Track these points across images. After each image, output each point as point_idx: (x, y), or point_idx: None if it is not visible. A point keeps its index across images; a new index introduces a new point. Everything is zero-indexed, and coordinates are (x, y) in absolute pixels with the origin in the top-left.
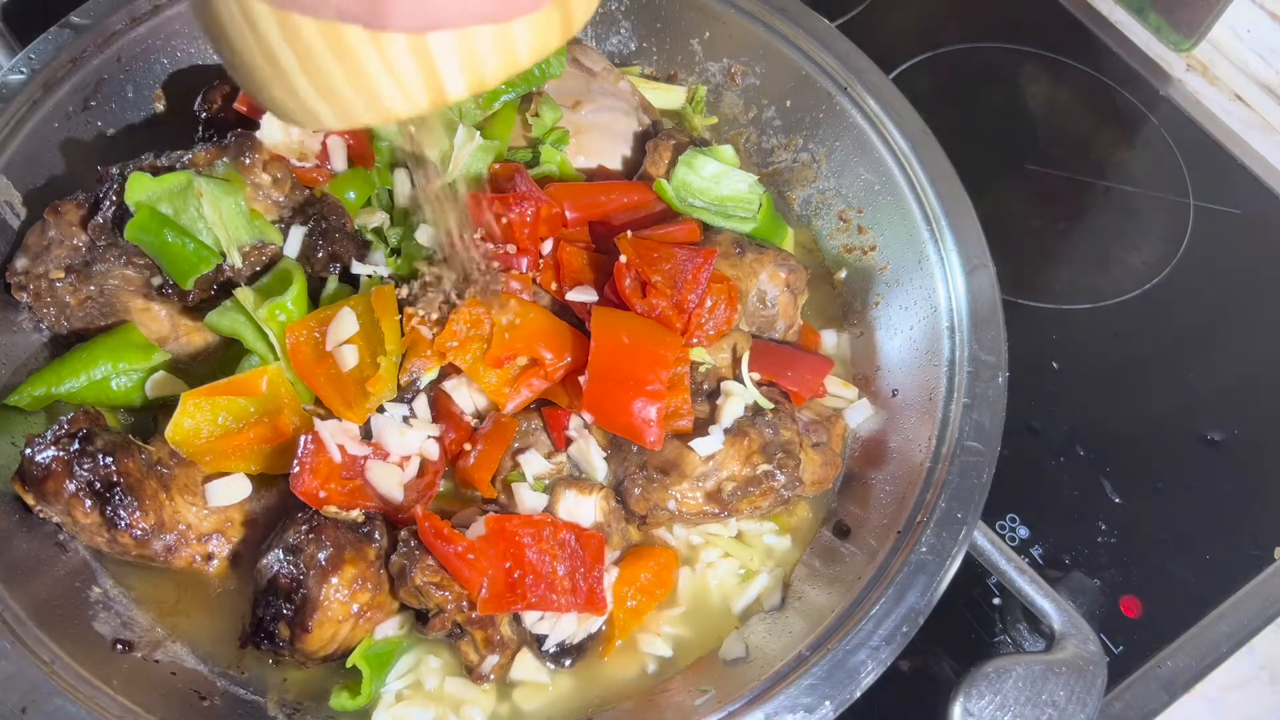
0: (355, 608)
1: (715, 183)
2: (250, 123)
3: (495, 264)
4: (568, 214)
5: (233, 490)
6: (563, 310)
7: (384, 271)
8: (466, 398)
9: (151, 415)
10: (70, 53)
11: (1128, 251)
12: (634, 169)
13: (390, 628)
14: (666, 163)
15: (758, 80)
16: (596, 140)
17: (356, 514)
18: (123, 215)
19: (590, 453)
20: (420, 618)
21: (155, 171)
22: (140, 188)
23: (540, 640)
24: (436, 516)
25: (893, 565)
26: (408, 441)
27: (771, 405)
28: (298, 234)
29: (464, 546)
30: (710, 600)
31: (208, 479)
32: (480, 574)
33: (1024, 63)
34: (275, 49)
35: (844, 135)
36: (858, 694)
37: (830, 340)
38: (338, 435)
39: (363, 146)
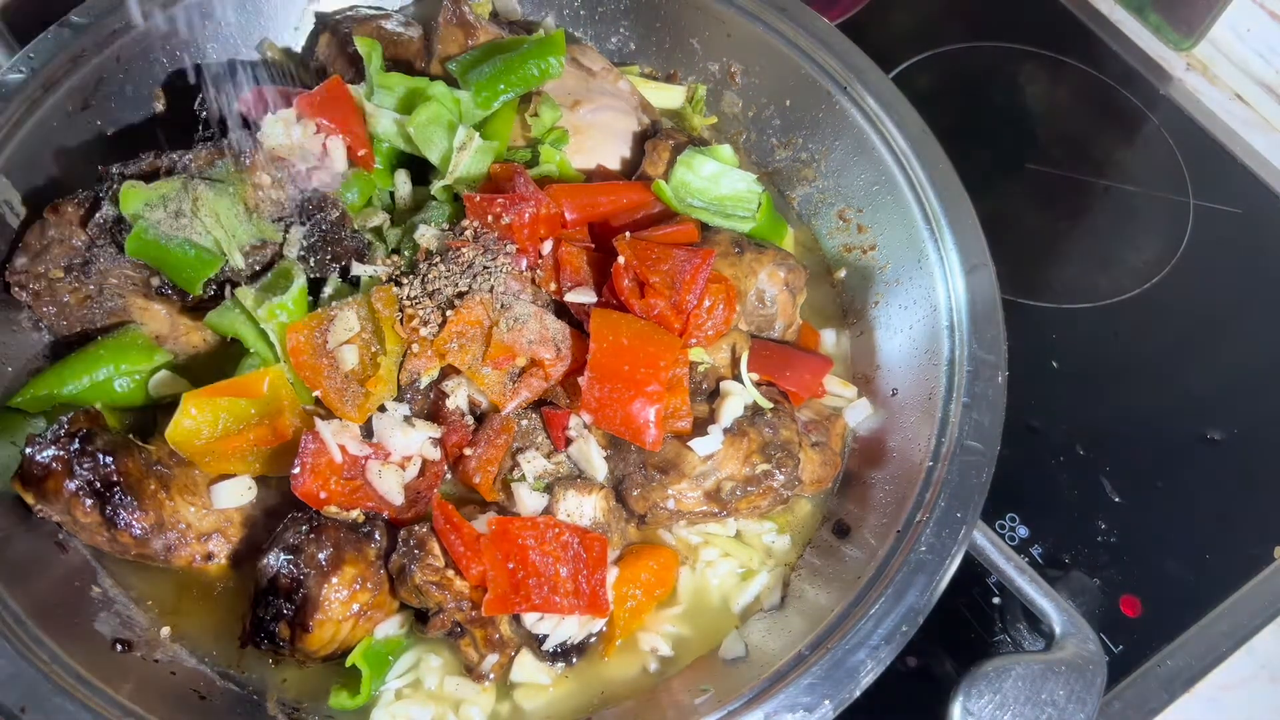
0: (355, 607)
1: (714, 182)
2: (251, 123)
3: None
4: (567, 214)
5: (237, 493)
6: (562, 310)
7: (384, 271)
8: (466, 398)
9: (152, 415)
10: (69, 52)
11: (1128, 251)
12: (633, 169)
13: (390, 627)
14: (665, 162)
15: (757, 79)
16: (595, 140)
17: (356, 514)
18: (121, 216)
19: (590, 452)
20: (420, 617)
21: (154, 173)
22: (134, 199)
23: (540, 640)
24: (449, 505)
25: (892, 565)
26: (410, 441)
27: (771, 405)
28: (298, 234)
29: (474, 536)
30: (710, 599)
31: (211, 481)
32: (487, 564)
33: (1024, 62)
34: None
35: (844, 134)
36: (857, 693)
37: (830, 339)
38: (339, 435)
39: (363, 147)
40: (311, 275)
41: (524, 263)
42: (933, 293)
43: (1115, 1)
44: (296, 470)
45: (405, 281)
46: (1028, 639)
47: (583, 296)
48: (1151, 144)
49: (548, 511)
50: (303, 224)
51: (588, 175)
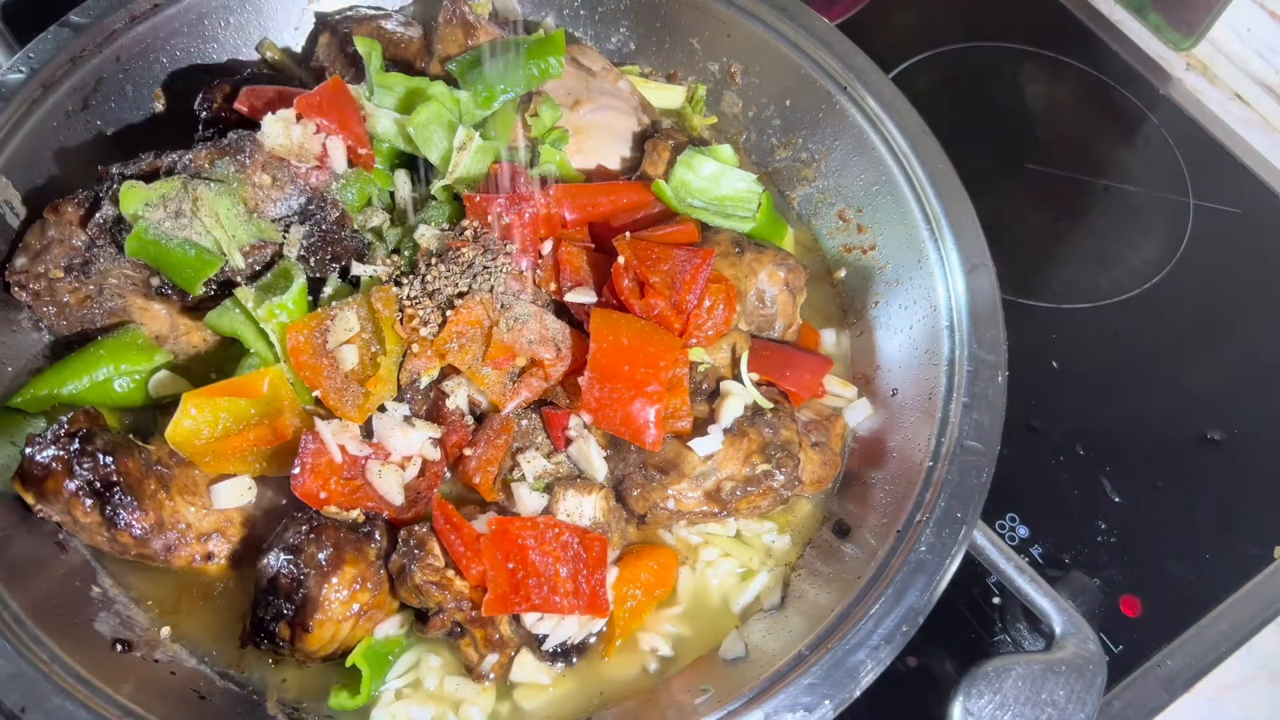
0: (355, 607)
1: (714, 182)
2: (251, 123)
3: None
4: (567, 214)
5: (237, 493)
6: (562, 310)
7: (384, 271)
8: (466, 398)
9: (152, 415)
10: (69, 52)
11: (1128, 251)
12: (633, 169)
13: (390, 627)
14: (665, 162)
15: (757, 79)
16: (596, 140)
17: (356, 514)
18: (121, 217)
19: (590, 452)
20: (420, 617)
21: (154, 173)
22: (134, 199)
23: (540, 640)
24: (449, 505)
25: (892, 565)
26: (410, 441)
27: (771, 405)
28: (298, 234)
29: (474, 536)
30: (710, 599)
31: (211, 481)
32: (487, 564)
33: (1024, 62)
34: None
35: (843, 134)
36: (857, 693)
37: (830, 339)
38: (339, 435)
39: (363, 147)
40: (311, 275)
41: (524, 263)
42: (933, 293)
43: (1115, 1)
44: (296, 470)
45: (405, 281)
46: (1028, 639)
47: (583, 296)
48: (1151, 144)
49: (548, 511)
50: (303, 224)
51: (588, 175)
